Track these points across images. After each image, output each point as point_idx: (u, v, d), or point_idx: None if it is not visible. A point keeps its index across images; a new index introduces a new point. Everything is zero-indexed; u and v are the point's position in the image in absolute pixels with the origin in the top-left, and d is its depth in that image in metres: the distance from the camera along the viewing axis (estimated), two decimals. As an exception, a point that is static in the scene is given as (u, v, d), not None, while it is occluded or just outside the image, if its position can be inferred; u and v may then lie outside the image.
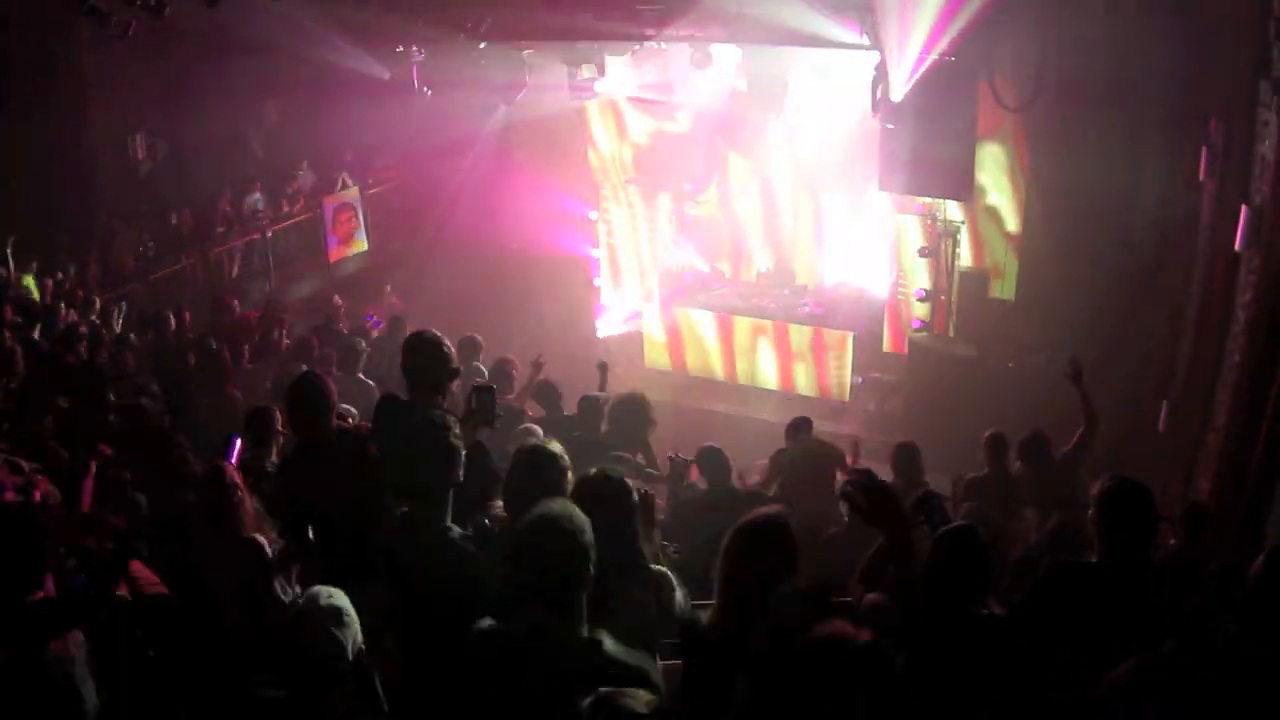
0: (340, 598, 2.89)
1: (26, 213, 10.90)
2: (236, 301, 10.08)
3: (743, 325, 12.81)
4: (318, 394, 4.20)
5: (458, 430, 3.76)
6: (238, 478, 4.12)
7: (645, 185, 13.86)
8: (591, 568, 2.71)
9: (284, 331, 8.93)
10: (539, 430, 5.88)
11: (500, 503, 3.83)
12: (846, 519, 6.29)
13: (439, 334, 4.14)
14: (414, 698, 3.14)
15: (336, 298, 9.91)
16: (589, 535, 2.71)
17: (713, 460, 6.03)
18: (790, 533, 2.94)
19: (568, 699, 2.46)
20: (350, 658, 2.78)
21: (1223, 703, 2.69)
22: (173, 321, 9.05)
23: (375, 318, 10.52)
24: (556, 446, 3.62)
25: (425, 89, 11.95)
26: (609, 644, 2.69)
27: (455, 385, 4.32)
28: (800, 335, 12.45)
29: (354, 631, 2.84)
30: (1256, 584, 2.83)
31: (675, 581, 3.34)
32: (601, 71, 11.63)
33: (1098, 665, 2.93)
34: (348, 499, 3.91)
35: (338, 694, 2.74)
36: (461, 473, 3.67)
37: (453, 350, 4.14)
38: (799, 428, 7.02)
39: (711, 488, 5.96)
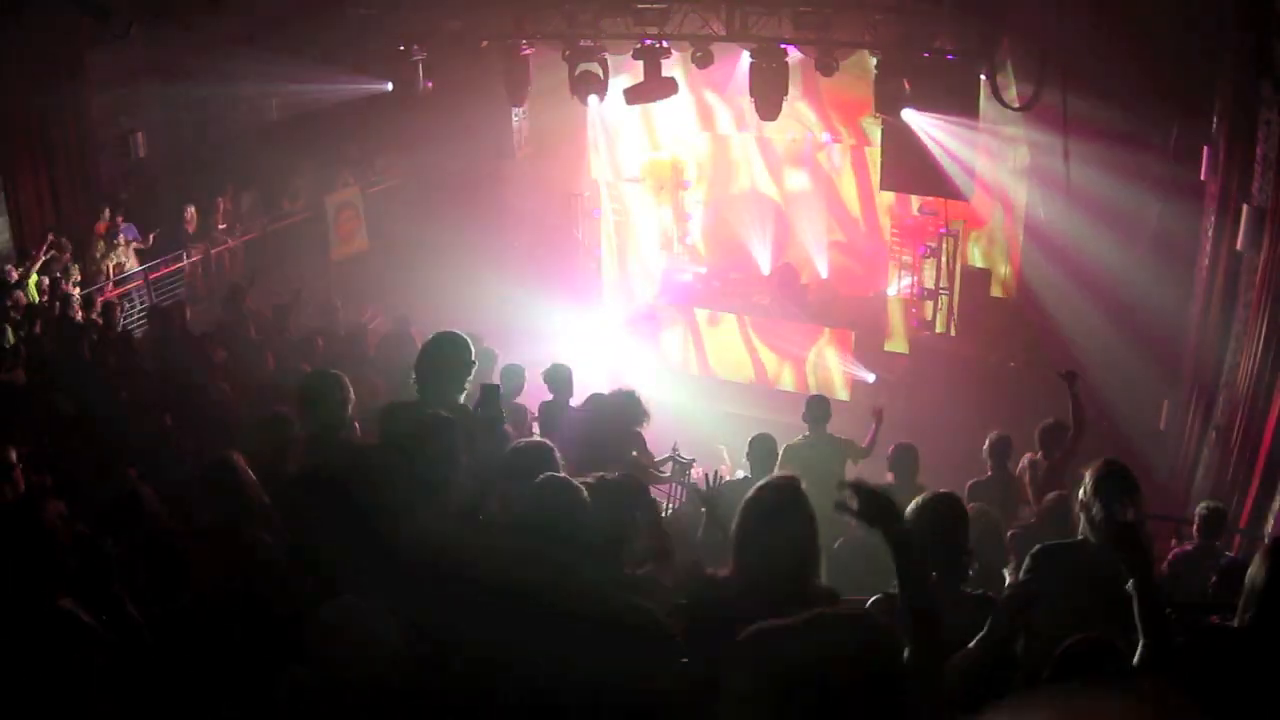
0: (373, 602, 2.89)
1: (27, 212, 10.92)
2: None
3: (744, 323, 12.80)
4: (335, 392, 4.21)
5: (456, 429, 3.76)
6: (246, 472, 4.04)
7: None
8: (591, 525, 2.77)
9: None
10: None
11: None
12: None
13: (461, 334, 4.15)
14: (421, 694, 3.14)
15: (337, 301, 9.88)
16: (585, 496, 2.83)
17: (764, 448, 6.20)
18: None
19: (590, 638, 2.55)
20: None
21: (1227, 699, 2.69)
22: (175, 319, 9.05)
23: (370, 313, 10.52)
24: (546, 443, 3.66)
25: (427, 84, 11.93)
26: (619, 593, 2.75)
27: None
28: (801, 333, 12.45)
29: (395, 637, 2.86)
30: (1259, 580, 2.82)
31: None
32: (604, 70, 11.60)
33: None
34: (360, 508, 3.89)
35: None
36: (459, 471, 3.67)
37: (472, 349, 4.18)
38: (814, 407, 7.04)
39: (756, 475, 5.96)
